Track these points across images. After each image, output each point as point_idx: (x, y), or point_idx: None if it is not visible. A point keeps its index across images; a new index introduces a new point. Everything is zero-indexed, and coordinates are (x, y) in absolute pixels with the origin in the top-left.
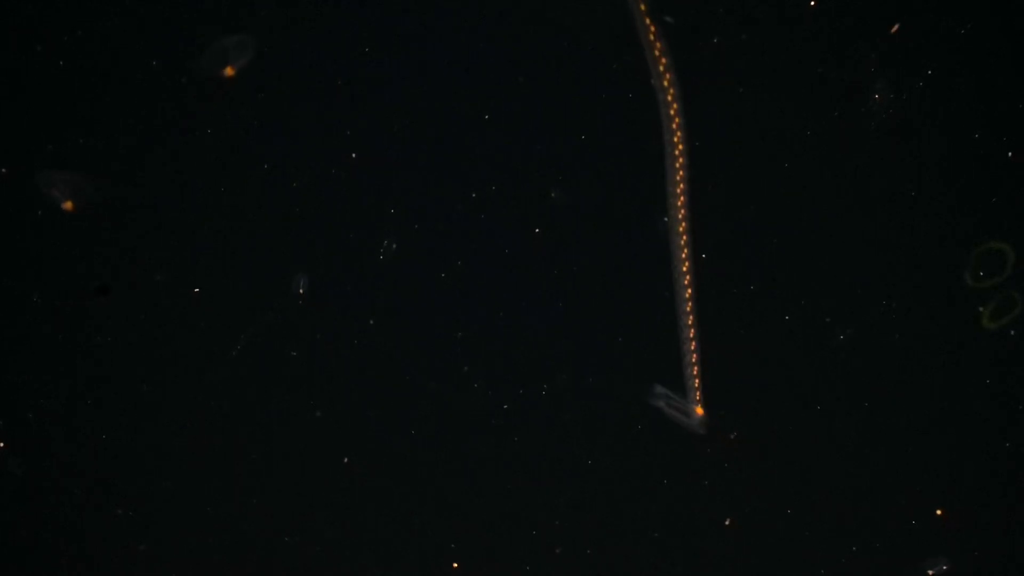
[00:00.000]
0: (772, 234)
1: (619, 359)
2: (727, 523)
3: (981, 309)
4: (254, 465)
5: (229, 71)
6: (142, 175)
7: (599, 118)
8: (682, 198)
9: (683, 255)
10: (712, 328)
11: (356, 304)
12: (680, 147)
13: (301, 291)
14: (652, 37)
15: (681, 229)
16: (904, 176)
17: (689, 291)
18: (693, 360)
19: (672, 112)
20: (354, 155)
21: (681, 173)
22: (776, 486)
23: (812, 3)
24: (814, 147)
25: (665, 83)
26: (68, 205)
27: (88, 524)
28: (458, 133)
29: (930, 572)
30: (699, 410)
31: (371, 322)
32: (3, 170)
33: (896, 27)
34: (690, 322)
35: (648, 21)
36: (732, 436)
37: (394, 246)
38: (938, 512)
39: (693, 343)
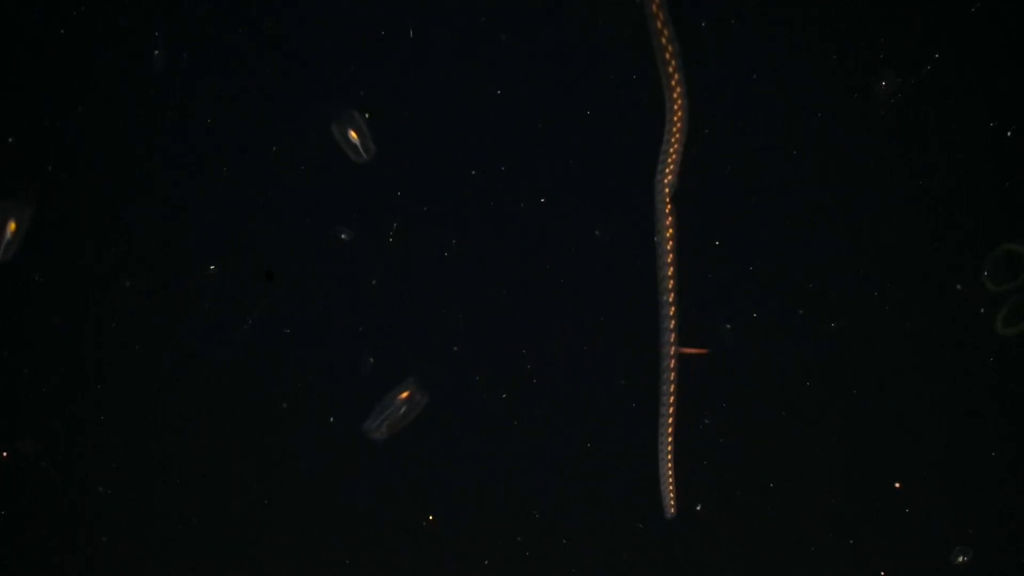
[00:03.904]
0: (769, 222)
1: (613, 351)
2: (698, 508)
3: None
4: (245, 450)
5: (354, 135)
6: (143, 171)
7: (600, 107)
8: (669, 197)
9: (668, 260)
10: (700, 315)
11: (355, 293)
12: (679, 125)
13: (343, 236)
14: (657, 22)
15: (669, 236)
16: (909, 167)
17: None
18: (672, 393)
19: (674, 92)
20: (367, 115)
21: (674, 153)
22: (755, 475)
23: None
24: (818, 137)
25: (670, 70)
26: (11, 227)
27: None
28: (460, 119)
29: (961, 559)
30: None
31: (370, 310)
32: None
33: None
34: (672, 342)
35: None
36: (706, 422)
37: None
38: (896, 485)
39: (673, 373)
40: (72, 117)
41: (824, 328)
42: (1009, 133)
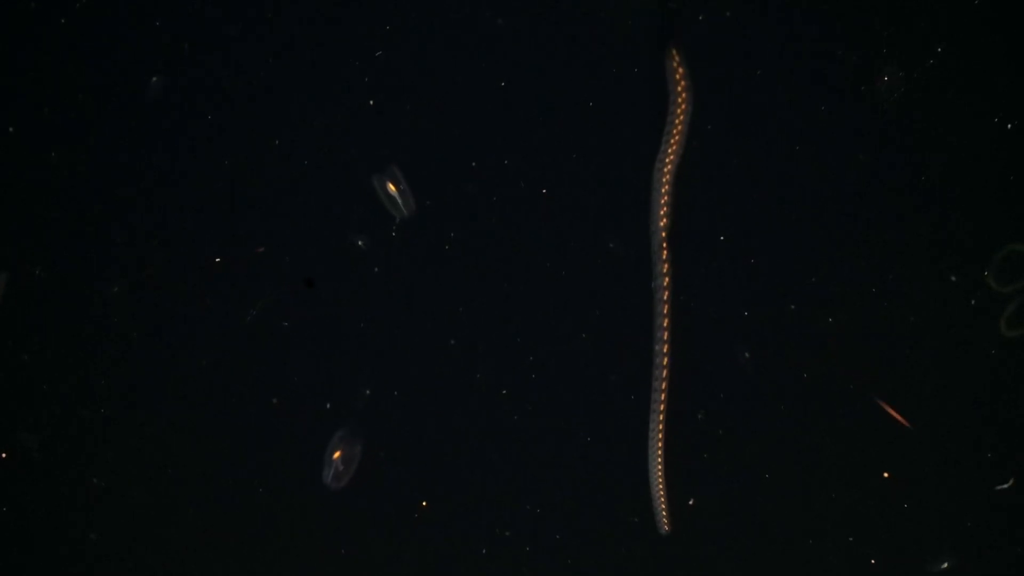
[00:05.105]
0: (767, 217)
1: (613, 348)
2: (690, 503)
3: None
4: (241, 443)
5: (391, 187)
6: (145, 166)
7: (602, 104)
8: (667, 192)
9: (665, 310)
10: (694, 306)
11: (356, 287)
12: (680, 121)
13: (360, 243)
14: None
15: (665, 285)
16: (910, 161)
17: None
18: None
19: (680, 90)
20: (371, 101)
21: (666, 195)
22: (749, 470)
23: None
24: (818, 132)
25: (675, 67)
26: None
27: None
28: (459, 115)
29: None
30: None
31: (369, 304)
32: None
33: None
34: (664, 350)
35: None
36: (700, 416)
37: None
38: (885, 475)
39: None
40: (73, 116)
41: (821, 323)
42: (1010, 126)
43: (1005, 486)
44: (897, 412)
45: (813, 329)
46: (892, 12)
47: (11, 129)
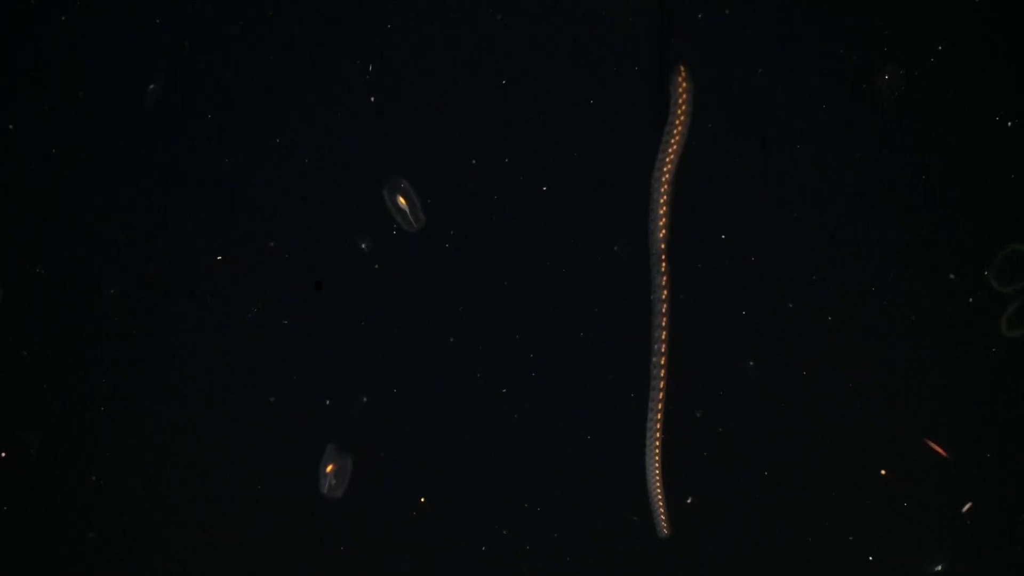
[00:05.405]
0: (767, 215)
1: (614, 346)
2: (688, 501)
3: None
4: (238, 440)
5: (402, 201)
6: (148, 162)
7: (602, 99)
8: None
9: (663, 323)
10: (694, 306)
11: (356, 286)
12: (680, 123)
13: (363, 247)
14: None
15: (664, 297)
16: (910, 160)
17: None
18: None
19: (680, 96)
20: (372, 99)
21: (671, 153)
22: (747, 468)
23: None
24: (818, 131)
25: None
26: None
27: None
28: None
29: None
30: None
31: (370, 304)
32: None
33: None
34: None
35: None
36: (698, 415)
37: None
38: (882, 472)
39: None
40: (73, 116)
41: (821, 323)
42: (1010, 125)
43: (964, 509)
44: (941, 448)
45: (813, 329)
46: (892, 12)
47: (11, 127)
